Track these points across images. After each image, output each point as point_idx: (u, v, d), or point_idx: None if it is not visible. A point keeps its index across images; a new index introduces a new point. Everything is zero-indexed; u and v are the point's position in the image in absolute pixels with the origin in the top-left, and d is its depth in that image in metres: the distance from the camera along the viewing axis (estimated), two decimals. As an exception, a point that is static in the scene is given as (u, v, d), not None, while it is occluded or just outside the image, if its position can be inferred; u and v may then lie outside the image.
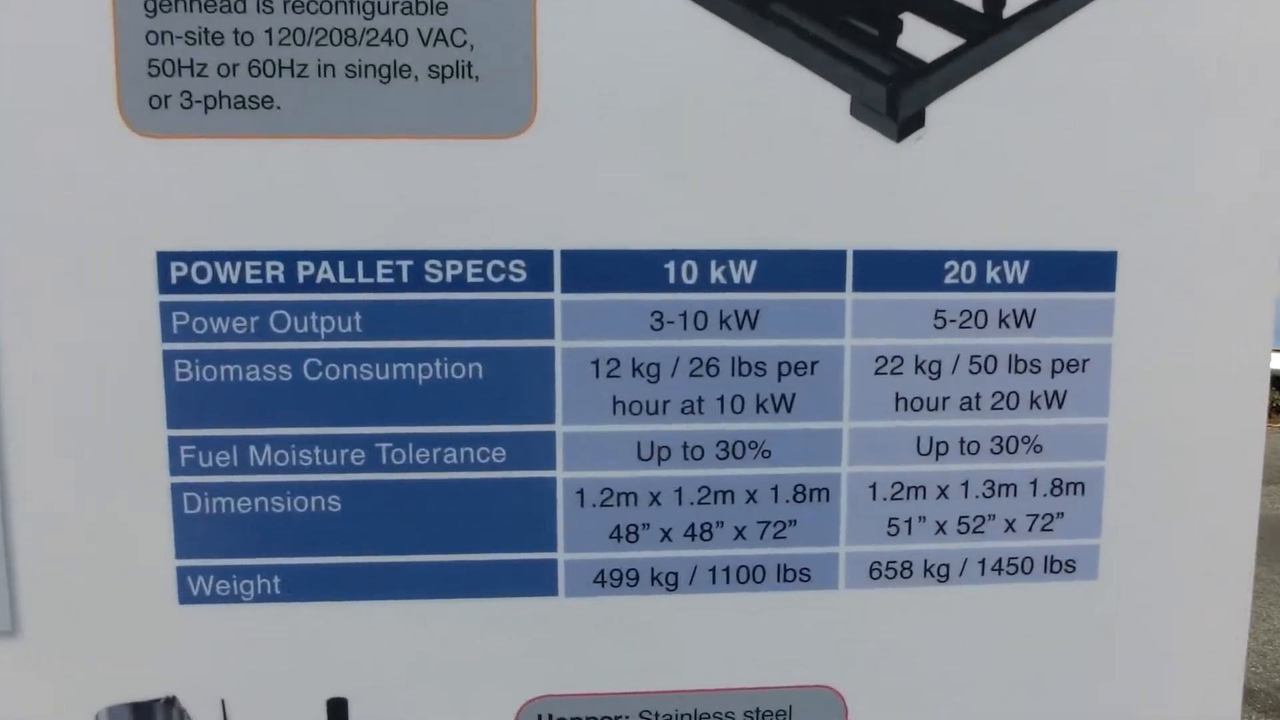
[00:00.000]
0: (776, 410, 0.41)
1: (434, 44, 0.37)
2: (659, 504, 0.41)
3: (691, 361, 0.40)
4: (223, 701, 0.41)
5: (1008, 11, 0.39)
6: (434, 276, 0.39)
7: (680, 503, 0.41)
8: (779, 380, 0.41)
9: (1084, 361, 0.42)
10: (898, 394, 0.41)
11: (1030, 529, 0.43)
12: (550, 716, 0.42)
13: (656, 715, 0.43)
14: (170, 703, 0.41)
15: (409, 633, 0.41)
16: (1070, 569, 0.43)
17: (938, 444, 0.42)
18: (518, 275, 0.39)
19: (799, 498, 0.42)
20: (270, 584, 0.40)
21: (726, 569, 0.42)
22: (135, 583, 0.40)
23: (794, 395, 0.41)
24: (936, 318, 0.41)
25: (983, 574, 0.43)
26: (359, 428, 0.40)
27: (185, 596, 0.40)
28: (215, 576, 0.40)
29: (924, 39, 0.39)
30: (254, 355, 0.39)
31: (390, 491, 0.40)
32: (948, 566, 0.43)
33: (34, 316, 0.38)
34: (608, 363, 0.40)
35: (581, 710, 0.42)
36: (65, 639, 0.40)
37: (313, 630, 0.41)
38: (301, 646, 0.41)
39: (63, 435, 0.39)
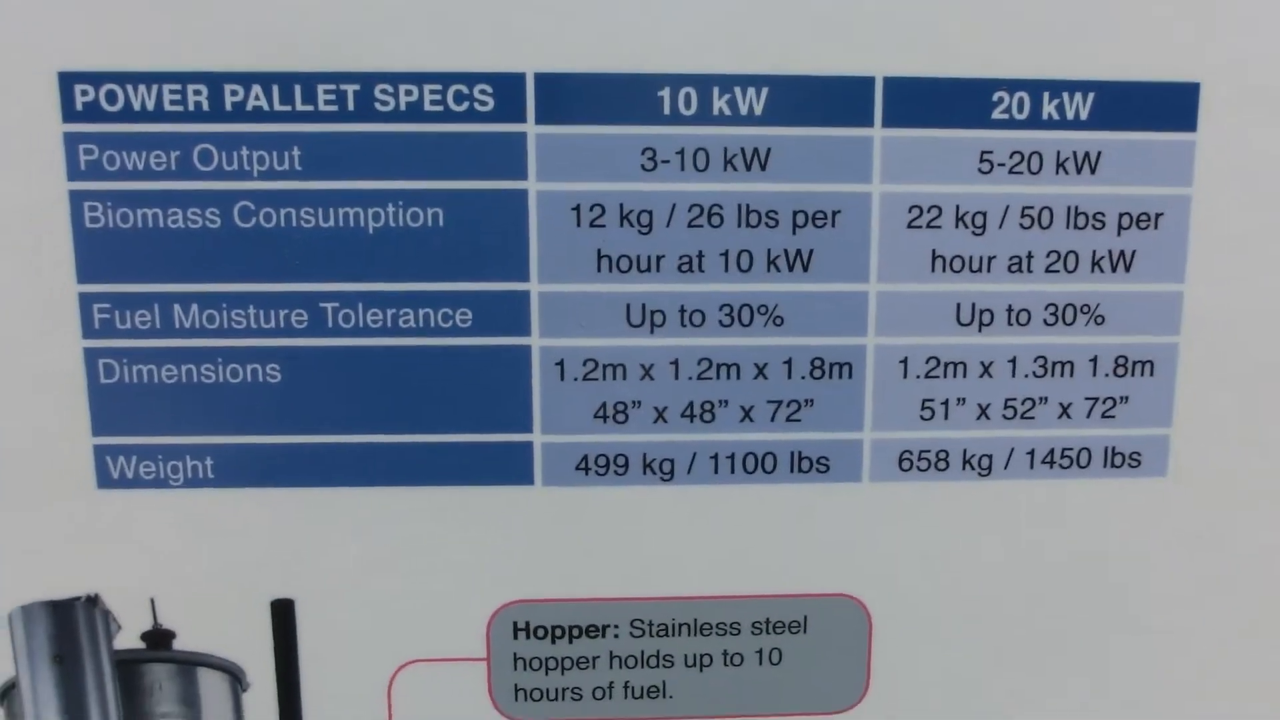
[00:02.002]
0: (791, 269, 0.35)
1: None
2: (652, 378, 0.35)
3: (690, 209, 0.34)
4: (152, 601, 0.36)
5: None
6: (385, 104, 0.33)
7: (677, 377, 0.35)
8: (794, 233, 0.35)
9: (1157, 216, 0.35)
10: (935, 251, 0.35)
11: (1089, 415, 0.37)
12: (527, 625, 0.37)
13: (650, 625, 0.37)
14: (92, 601, 0.36)
15: (362, 526, 0.36)
16: (1135, 463, 0.37)
17: (981, 312, 0.36)
18: (483, 103, 0.33)
19: (817, 373, 0.36)
20: (201, 467, 0.35)
21: (731, 456, 0.36)
22: (48, 463, 0.35)
23: (811, 251, 0.35)
24: (982, 160, 0.35)
25: (1031, 467, 0.37)
26: (300, 284, 0.34)
27: (104, 480, 0.35)
28: (138, 457, 0.35)
29: None
30: (176, 197, 0.33)
31: (337, 360, 0.35)
32: (990, 458, 0.37)
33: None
34: (591, 209, 0.34)
35: (563, 618, 0.37)
36: (-31, 527, 0.35)
37: (252, 521, 0.36)
38: (240, 539, 0.36)
39: (-39, 292, 0.33)
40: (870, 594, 0.38)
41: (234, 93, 0.34)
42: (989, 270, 0.36)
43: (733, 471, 0.37)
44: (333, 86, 0.34)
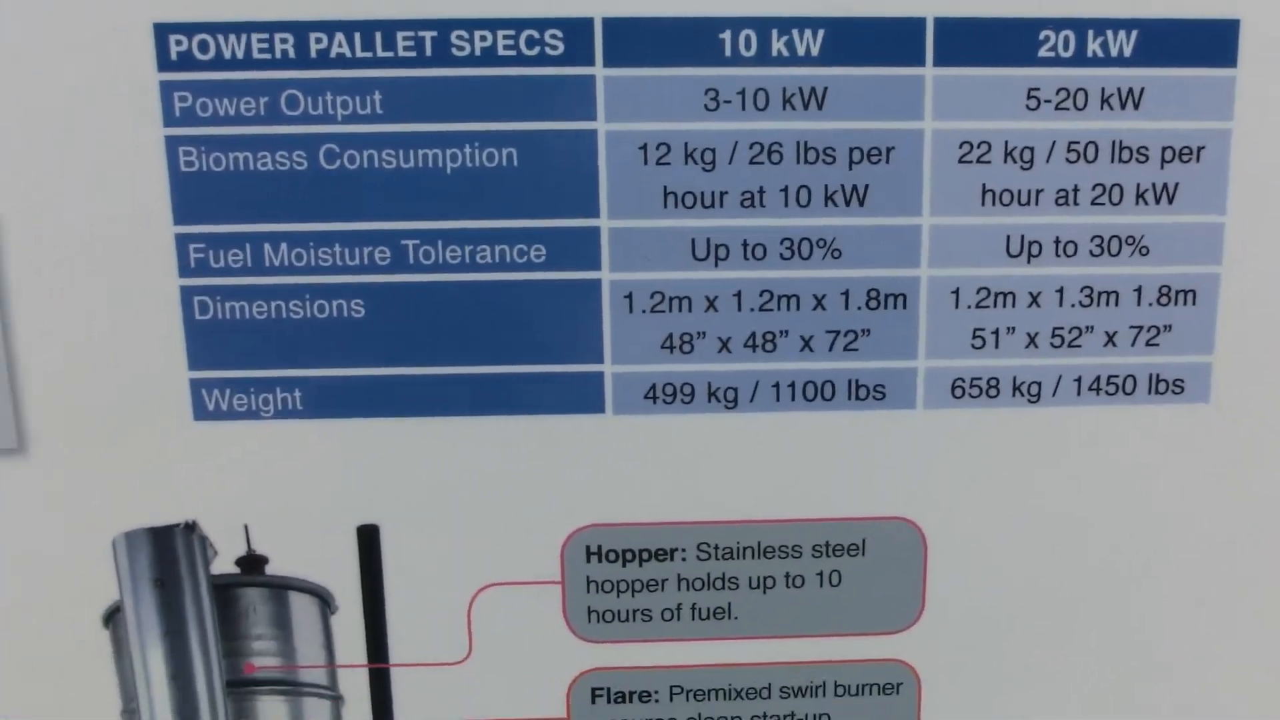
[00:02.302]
0: (848, 203, 0.37)
1: None
2: (716, 310, 0.37)
3: (751, 147, 0.36)
4: (245, 527, 0.38)
5: None
6: (461, 50, 0.35)
7: (740, 309, 0.37)
8: (850, 169, 0.37)
9: (1199, 149, 0.37)
10: (984, 186, 0.37)
11: (1133, 343, 0.38)
12: (600, 548, 0.39)
13: (716, 548, 0.39)
14: (190, 528, 0.38)
15: (443, 454, 0.38)
16: (1178, 389, 0.39)
17: (1029, 244, 0.37)
18: (554, 47, 0.35)
19: (873, 304, 0.37)
20: (291, 399, 0.37)
21: (792, 385, 0.38)
22: (147, 397, 0.37)
23: (867, 186, 0.37)
24: (1029, 97, 0.36)
25: (1078, 394, 0.39)
26: (382, 223, 0.36)
27: (200, 412, 0.37)
28: (232, 390, 0.37)
29: None
30: (265, 141, 0.36)
31: (418, 295, 0.37)
32: (1039, 385, 0.38)
33: (20, 104, 0.34)
34: (657, 148, 0.36)
35: (633, 541, 0.39)
36: (75, 459, 0.38)
37: (339, 450, 0.38)
38: (327, 468, 0.38)
39: (61, 237, 0.36)
40: (925, 517, 0.40)
41: (318, 40, 0.36)
42: (1037, 203, 0.38)
43: (793, 399, 0.39)
44: (411, 34, 0.36)
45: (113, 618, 0.40)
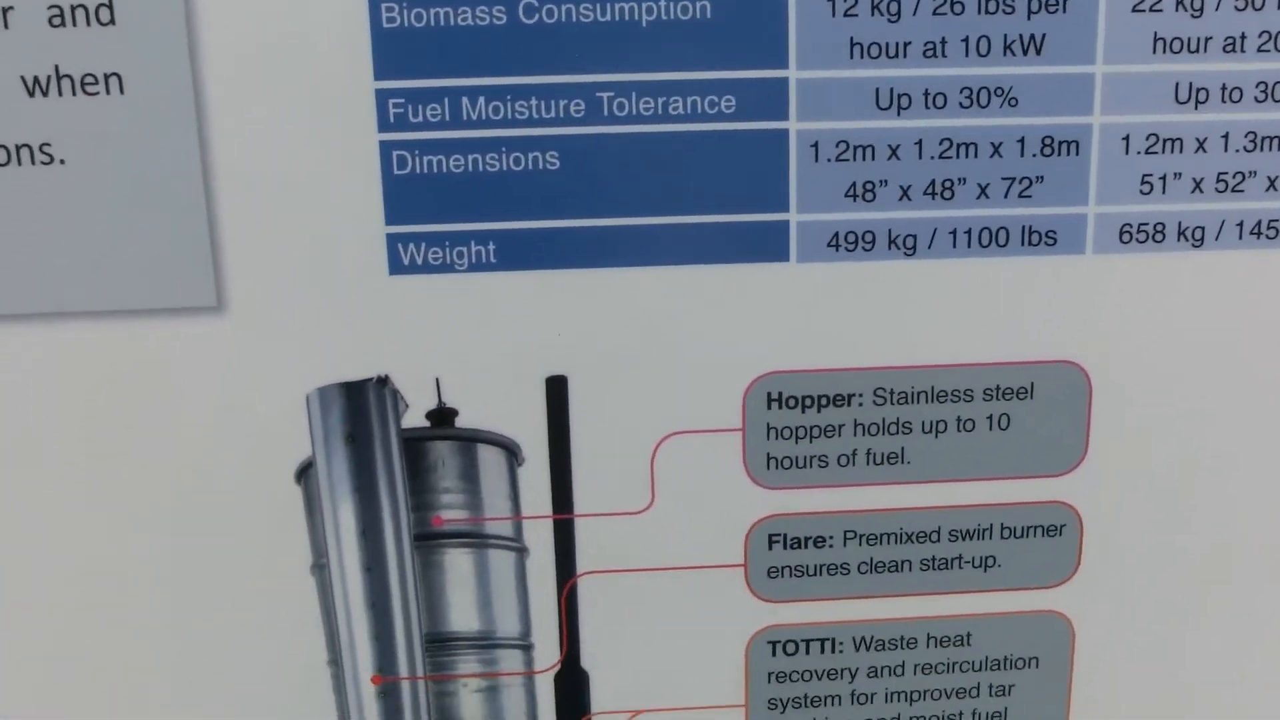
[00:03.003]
0: (1025, 53, 0.38)
1: None
2: (898, 158, 0.39)
3: (935, -3, 0.37)
4: (436, 380, 0.40)
5: None
6: (658, -99, 0.36)
7: (920, 156, 0.39)
8: (1028, 18, 0.38)
9: (1359, -2, 0.38)
10: (1155, 34, 0.39)
11: (1295, 187, 0.40)
12: (780, 395, 0.41)
13: (891, 393, 0.41)
14: (383, 382, 0.40)
15: (630, 304, 0.40)
16: (1335, 233, 0.40)
17: (1197, 91, 0.39)
18: (747, -101, 0.36)
19: (1047, 151, 0.39)
20: (485, 252, 0.39)
21: (968, 231, 0.40)
22: (344, 252, 0.38)
23: (1044, 36, 0.38)
24: (1201, -55, 0.38)
25: (1240, 238, 0.40)
26: (578, 76, 0.37)
27: (396, 266, 0.39)
28: (427, 244, 0.38)
29: None
30: (466, -6, 0.36)
31: (612, 146, 0.38)
32: (1203, 229, 0.40)
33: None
34: (844, 0, 0.37)
35: (813, 388, 0.41)
36: (272, 314, 0.39)
37: (529, 302, 0.39)
38: (518, 320, 0.39)
39: (262, 95, 0.37)
40: (1090, 360, 0.42)
41: (519, -106, 0.37)
42: (1205, 51, 0.39)
43: (969, 246, 0.40)
44: (611, -115, 0.37)
45: (305, 474, 0.41)
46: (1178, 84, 0.39)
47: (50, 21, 0.36)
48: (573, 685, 0.44)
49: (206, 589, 0.42)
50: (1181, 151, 0.40)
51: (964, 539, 0.43)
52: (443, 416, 0.41)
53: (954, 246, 0.40)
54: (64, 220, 0.38)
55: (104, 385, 0.40)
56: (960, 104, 0.39)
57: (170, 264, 0.39)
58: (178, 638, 0.42)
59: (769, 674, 0.44)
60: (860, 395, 0.41)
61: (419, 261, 0.39)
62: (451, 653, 0.44)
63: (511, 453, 0.41)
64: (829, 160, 0.39)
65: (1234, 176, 0.40)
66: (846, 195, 0.39)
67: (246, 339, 0.40)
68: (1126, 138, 0.40)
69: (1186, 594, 0.44)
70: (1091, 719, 0.46)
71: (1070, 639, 0.44)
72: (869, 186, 0.39)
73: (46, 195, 0.38)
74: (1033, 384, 0.41)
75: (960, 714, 0.45)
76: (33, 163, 0.37)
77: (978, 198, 0.40)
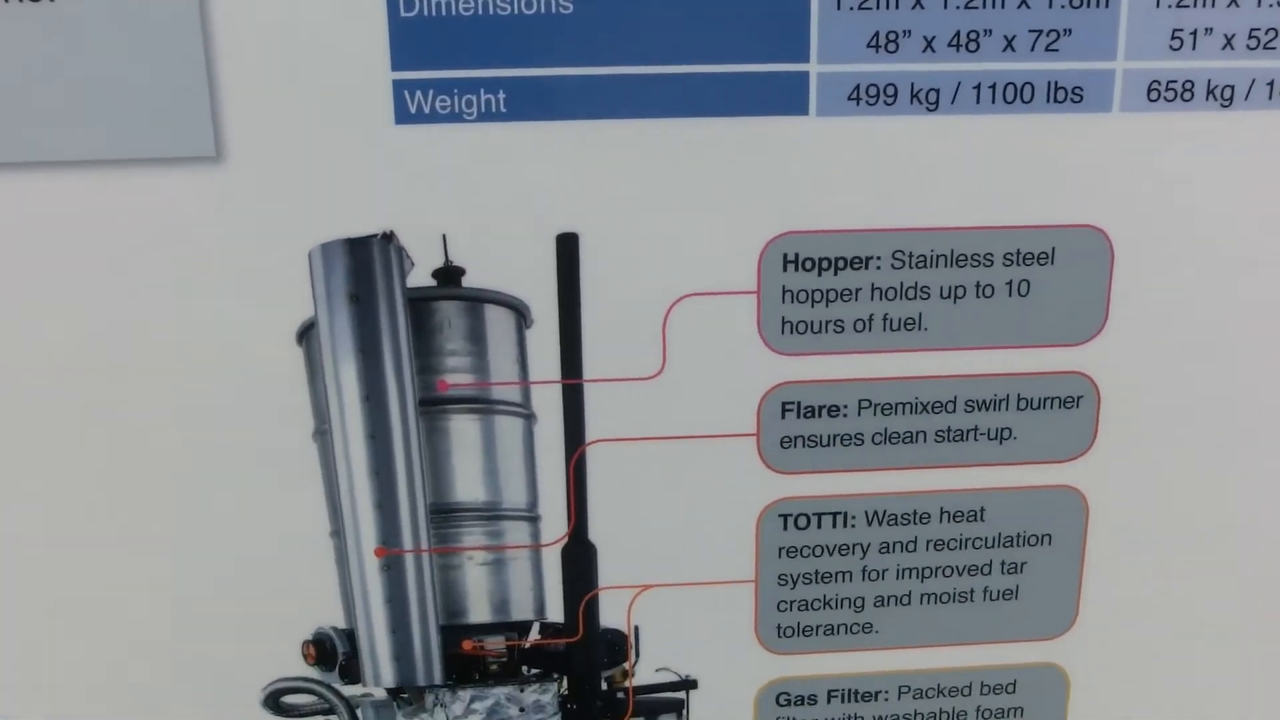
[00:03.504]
0: (1055, -103, 0.37)
1: None
2: (922, 6, 0.38)
3: None
4: (443, 237, 0.38)
5: None
6: None
7: (945, 6, 0.38)
8: None
9: None
10: (1190, -120, 0.37)
11: (1325, 48, 0.39)
12: (796, 256, 0.40)
13: (909, 256, 0.40)
14: (387, 239, 0.38)
15: (644, 158, 0.38)
16: (1365, 97, 0.39)
17: (1230, -58, 0.38)
18: None
19: (1075, 2, 0.38)
20: (495, 100, 0.37)
21: (993, 86, 0.38)
22: (348, 100, 0.37)
23: (1075, -120, 0.37)
24: None
25: (1270, 98, 0.40)
26: (593, -87, 0.36)
27: (402, 115, 0.37)
28: (435, 91, 0.37)
29: None
30: None
31: (627, -11, 0.36)
32: (1232, 89, 0.39)
33: None
34: None
35: (830, 249, 0.40)
36: (273, 166, 0.38)
37: (540, 155, 0.38)
38: (528, 173, 0.38)
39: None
40: (1114, 224, 0.41)
41: None
42: (1239, -100, 0.38)
43: (993, 102, 0.39)
44: None
45: (306, 335, 0.40)
46: (1210, -66, 0.38)
47: None
48: (580, 559, 0.43)
49: (203, 456, 0.41)
50: (1213, 6, 0.39)
51: (980, 410, 0.42)
52: (449, 275, 0.40)
53: (977, 103, 0.39)
54: (57, 65, 0.36)
55: (98, 238, 0.38)
56: (987, -49, 0.37)
57: (167, 112, 0.38)
58: (172, 507, 0.41)
59: (779, 548, 0.43)
60: (878, 258, 0.40)
61: (426, 110, 0.38)
62: (456, 525, 0.43)
63: (520, 314, 0.40)
64: (851, 8, 0.38)
65: (1266, 33, 0.39)
66: (868, 46, 0.38)
67: (246, 191, 0.38)
68: (1157, -10, 0.38)
69: (1205, 469, 0.43)
70: (1103, 599, 0.45)
71: (1084, 516, 0.44)
72: (892, 36, 0.38)
73: (38, 38, 0.36)
74: (1054, 249, 0.41)
75: (971, 591, 0.44)
76: (20, 0, 0.35)
77: (1003, 50, 0.38)
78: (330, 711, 0.45)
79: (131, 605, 0.42)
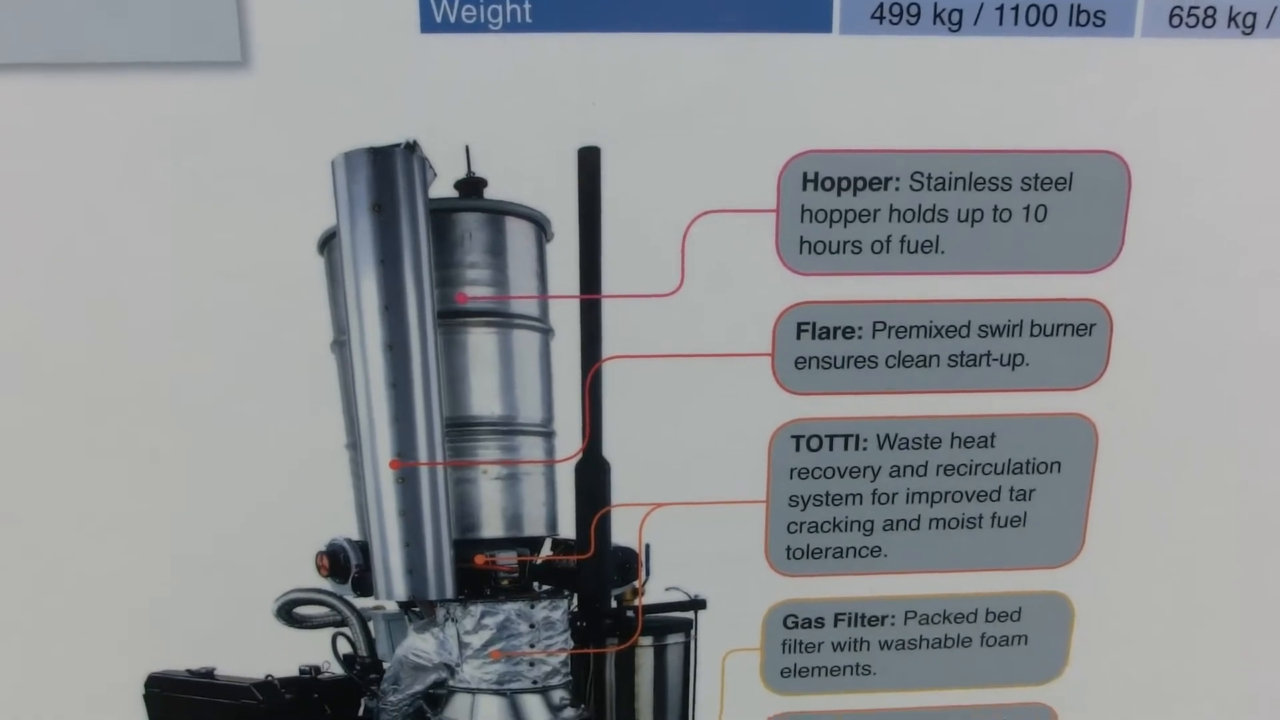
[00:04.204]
0: None
1: None
2: (948, -74, 0.37)
3: None
4: (466, 149, 0.39)
5: None
6: None
7: (971, -75, 0.37)
8: None
9: None
10: None
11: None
12: (816, 175, 0.40)
13: (928, 178, 0.40)
14: (411, 149, 0.39)
15: (668, 73, 0.39)
16: (1386, 29, 0.39)
17: None
18: None
19: (1100, -75, 0.38)
20: (520, 10, 0.38)
21: (1015, 7, 0.39)
22: (374, 7, 0.37)
23: None
24: None
25: (1292, 26, 0.39)
26: None
27: (428, 24, 0.38)
28: (460, 0, 0.37)
29: None
30: None
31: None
32: (1254, 15, 0.40)
33: None
34: None
35: (850, 169, 0.40)
36: (298, 72, 0.38)
37: (563, 67, 0.38)
38: (551, 86, 0.38)
39: None
40: (1132, 152, 0.41)
41: None
42: None
43: (1015, 23, 0.39)
44: None
45: (328, 244, 0.40)
46: None
47: None
48: (593, 475, 0.43)
49: (221, 364, 0.41)
50: (1239, -70, 0.39)
51: (993, 335, 0.43)
52: (471, 186, 0.40)
53: (1000, 24, 0.39)
54: (82, -35, 0.37)
55: (120, 141, 0.39)
56: None
57: (193, 14, 0.38)
58: (187, 415, 0.42)
59: (791, 470, 0.44)
60: (897, 179, 0.41)
61: (451, 19, 0.38)
62: (472, 438, 0.43)
63: (541, 227, 0.41)
64: (877, -74, 0.38)
65: (1289, -39, 0.39)
66: (893, -36, 0.38)
67: (271, 97, 0.39)
68: (1182, -85, 0.38)
69: (1215, 400, 0.44)
70: (1109, 528, 0.46)
71: (1094, 443, 0.44)
72: (917, -45, 0.38)
73: (64, -62, 0.36)
74: (1072, 174, 0.41)
75: (980, 517, 0.45)
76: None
77: (1027, -28, 0.38)
78: (342, 624, 0.45)
79: (145, 515, 0.43)
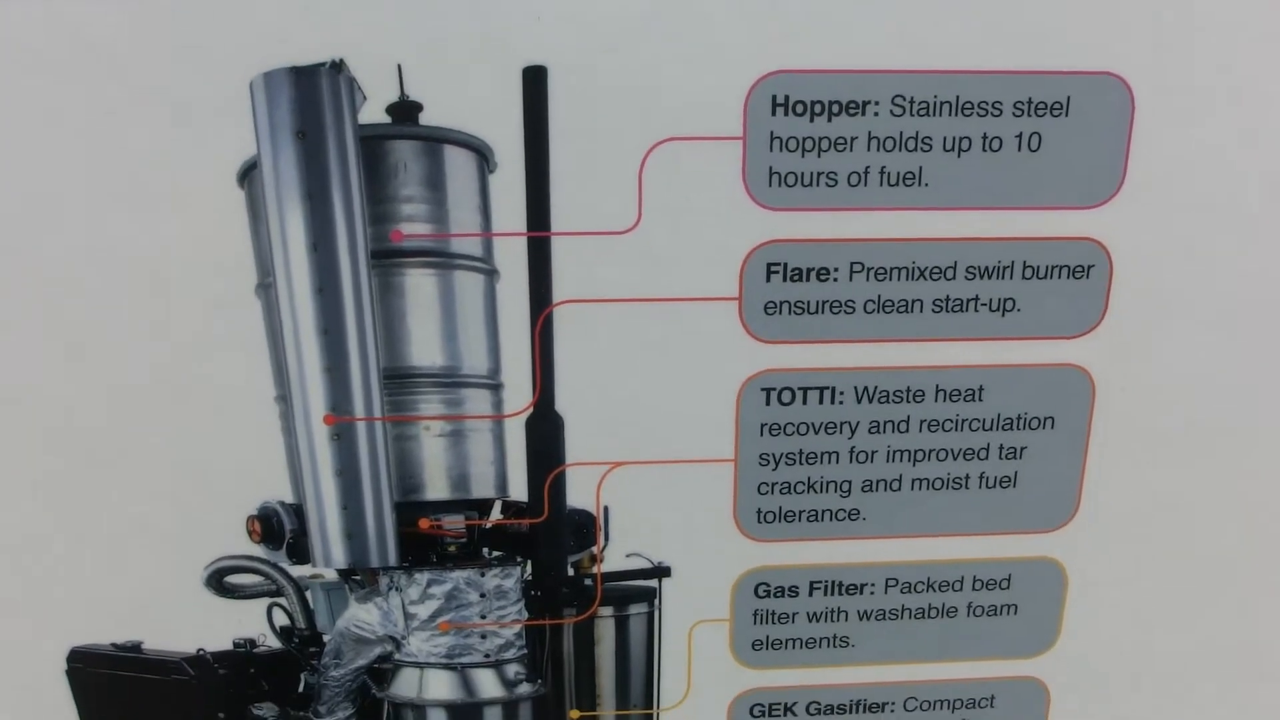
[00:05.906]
0: None
1: None
2: None
3: None
4: (399, 68, 0.35)
5: None
6: None
7: None
8: None
9: None
10: None
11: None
12: (786, 99, 0.37)
13: (911, 102, 0.37)
14: (336, 68, 0.35)
15: (623, -16, 0.34)
16: None
17: None
18: None
19: None
20: (456, -88, 0.33)
21: (1007, -89, 0.34)
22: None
23: None
24: None
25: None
26: None
27: (353, -74, 0.33)
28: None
29: None
30: None
31: None
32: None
33: None
34: None
35: (823, 92, 0.37)
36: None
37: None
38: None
39: None
40: (1135, 73, 0.37)
41: None
42: None
43: (1008, -71, 0.35)
44: None
45: (248, 175, 0.36)
46: None
47: None
48: (546, 432, 0.40)
49: (136, 309, 0.37)
50: None
51: (981, 277, 0.39)
52: (405, 111, 0.36)
53: (989, -76, 0.35)
54: None
55: (20, 63, 0.35)
56: None
57: (91, -84, 0.33)
58: (102, 361, 0.38)
59: (761, 425, 0.40)
60: (876, 103, 0.37)
61: (379, -79, 0.34)
62: (412, 391, 0.40)
63: (483, 157, 0.37)
64: None
65: None
66: None
67: (180, 12, 0.34)
68: None
69: (1221, 350, 0.40)
70: (1106, 490, 0.42)
71: (1090, 398, 0.41)
72: None
73: None
74: (1069, 99, 0.37)
75: (966, 478, 0.41)
76: None
77: (1021, -128, 0.34)
78: (277, 593, 0.42)
79: (60, 475, 0.39)
